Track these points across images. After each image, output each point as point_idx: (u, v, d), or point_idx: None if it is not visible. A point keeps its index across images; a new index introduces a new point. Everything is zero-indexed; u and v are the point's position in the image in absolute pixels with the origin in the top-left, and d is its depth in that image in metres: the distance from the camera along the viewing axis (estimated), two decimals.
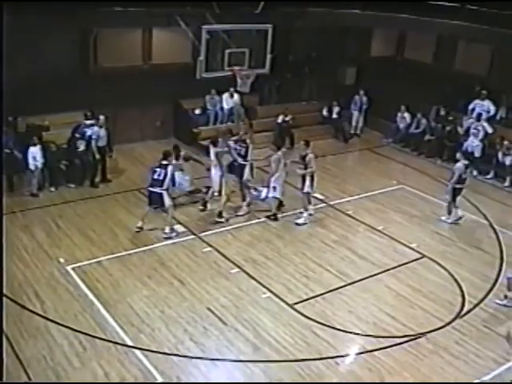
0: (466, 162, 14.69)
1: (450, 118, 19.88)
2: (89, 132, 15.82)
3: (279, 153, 14.25)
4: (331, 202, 15.78)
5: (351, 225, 14.68)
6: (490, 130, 18.64)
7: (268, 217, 14.56)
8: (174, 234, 13.40)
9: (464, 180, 14.63)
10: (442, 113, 20.15)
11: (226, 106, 19.70)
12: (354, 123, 21.77)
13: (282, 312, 10.95)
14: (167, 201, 13.17)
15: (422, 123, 20.27)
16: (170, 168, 13.05)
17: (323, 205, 15.62)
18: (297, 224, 14.37)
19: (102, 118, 15.94)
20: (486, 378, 9.53)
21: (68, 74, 16.99)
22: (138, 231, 13.45)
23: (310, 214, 14.68)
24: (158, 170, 13.01)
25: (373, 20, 20.27)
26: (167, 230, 13.41)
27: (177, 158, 14.37)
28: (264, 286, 11.70)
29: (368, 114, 21.74)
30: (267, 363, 9.63)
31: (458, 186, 14.58)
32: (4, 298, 10.60)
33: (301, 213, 14.56)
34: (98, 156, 15.85)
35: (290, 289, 11.69)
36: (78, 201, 15.00)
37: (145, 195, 14.36)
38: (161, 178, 12.97)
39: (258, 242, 13.43)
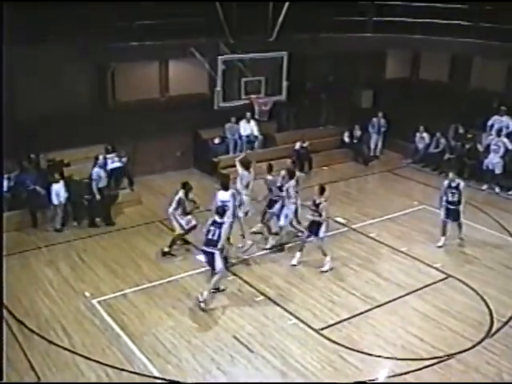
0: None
1: (469, 135, 19.78)
2: (109, 166, 15.97)
3: (292, 181, 13.94)
4: (353, 226, 15.72)
5: (374, 247, 14.60)
6: (510, 146, 18.47)
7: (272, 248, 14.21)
8: (203, 305, 11.65)
9: None
10: (461, 131, 20.05)
11: (243, 133, 19.88)
12: (372, 146, 21.75)
13: (309, 338, 10.87)
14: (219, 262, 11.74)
15: (441, 142, 20.18)
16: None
17: (345, 228, 15.56)
18: (323, 271, 13.17)
19: (100, 157, 15.39)
20: None
21: (87, 109, 17.32)
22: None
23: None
24: None
25: (385, 42, 20.41)
26: (205, 294, 11.71)
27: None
28: (289, 313, 11.64)
29: (386, 136, 21.72)
30: None
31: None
32: (32, 334, 10.75)
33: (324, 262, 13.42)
34: (98, 197, 15.20)
35: (315, 314, 11.61)
36: (101, 234, 15.09)
37: (166, 226, 14.66)
38: None
39: (280, 268, 13.40)
